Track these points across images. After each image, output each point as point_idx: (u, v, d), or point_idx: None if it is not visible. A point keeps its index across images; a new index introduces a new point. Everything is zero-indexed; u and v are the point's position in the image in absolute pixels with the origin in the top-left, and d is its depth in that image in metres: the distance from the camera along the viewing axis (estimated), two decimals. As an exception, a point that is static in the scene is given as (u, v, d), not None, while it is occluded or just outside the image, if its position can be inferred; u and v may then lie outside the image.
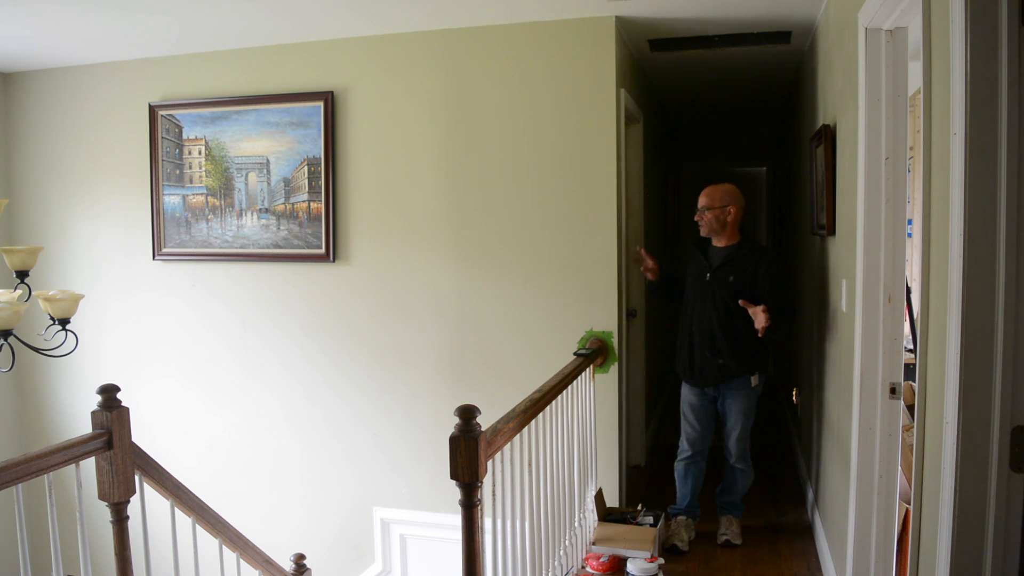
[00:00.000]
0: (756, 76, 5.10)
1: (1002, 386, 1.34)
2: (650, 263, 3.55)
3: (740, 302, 3.20)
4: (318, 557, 3.98)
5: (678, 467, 3.57)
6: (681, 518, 3.53)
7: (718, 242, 3.43)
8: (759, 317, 3.11)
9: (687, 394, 3.51)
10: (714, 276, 3.36)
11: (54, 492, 1.97)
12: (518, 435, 2.42)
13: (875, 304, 2.44)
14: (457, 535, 2.08)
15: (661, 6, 3.52)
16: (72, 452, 1.96)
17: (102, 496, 2.13)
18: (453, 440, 1.97)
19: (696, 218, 3.46)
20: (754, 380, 3.34)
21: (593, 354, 3.50)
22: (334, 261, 4.07)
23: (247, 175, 4.21)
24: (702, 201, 3.42)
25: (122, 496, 2.13)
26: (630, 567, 3.01)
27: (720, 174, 7.50)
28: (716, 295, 3.33)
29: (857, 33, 2.46)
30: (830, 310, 3.26)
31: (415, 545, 4.11)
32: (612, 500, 3.78)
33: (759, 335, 3.16)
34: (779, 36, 4.03)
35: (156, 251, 4.36)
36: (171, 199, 4.33)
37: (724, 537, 3.45)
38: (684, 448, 3.53)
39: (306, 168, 4.08)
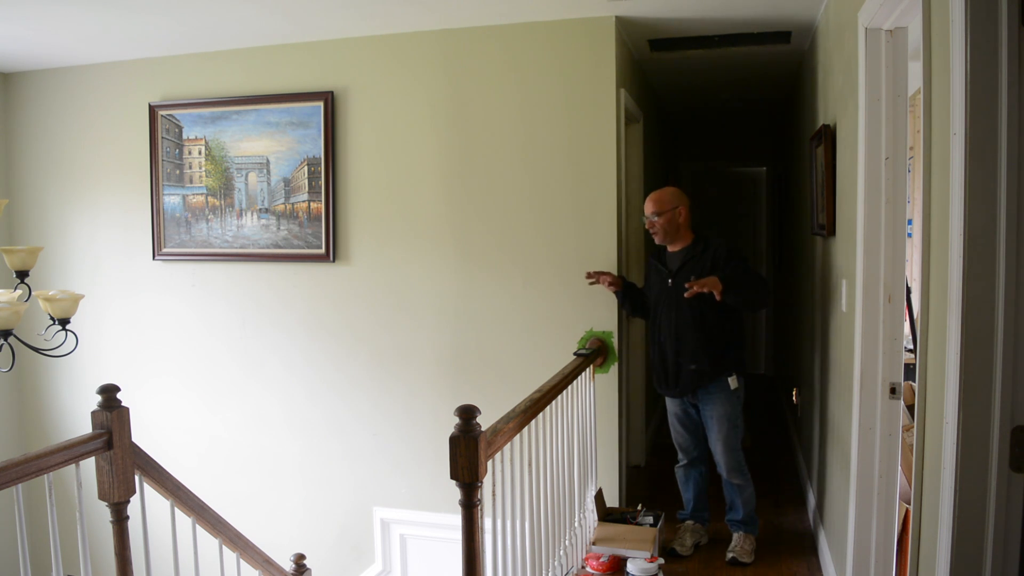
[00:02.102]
0: (756, 76, 5.10)
1: (1002, 386, 1.34)
2: (606, 278, 3.45)
3: (686, 285, 3.06)
4: (318, 557, 3.97)
5: (678, 473, 3.54)
6: (688, 523, 3.49)
7: (673, 247, 3.33)
8: (708, 284, 3.00)
9: (669, 405, 3.47)
10: (676, 280, 3.26)
11: (54, 492, 1.97)
12: (518, 435, 2.42)
13: (875, 304, 2.44)
14: (457, 535, 2.08)
15: (661, 6, 3.52)
16: (72, 452, 1.96)
17: (102, 496, 2.13)
18: (453, 440, 1.97)
19: (647, 227, 3.33)
20: (732, 382, 3.22)
21: (593, 354, 3.50)
22: (334, 261, 4.07)
23: (247, 175, 4.21)
24: (649, 208, 3.30)
25: (122, 496, 2.13)
26: (630, 567, 3.01)
27: (715, 175, 7.51)
28: (681, 299, 3.21)
29: (857, 33, 2.46)
30: (830, 310, 3.26)
31: (415, 545, 4.11)
32: (612, 500, 3.78)
33: (717, 299, 3.03)
34: (779, 36, 4.03)
35: (156, 251, 4.36)
36: (171, 199, 4.33)
37: (731, 555, 3.30)
38: (680, 455, 3.51)
39: (306, 168, 4.08)
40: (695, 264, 3.24)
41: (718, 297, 3.04)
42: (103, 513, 2.16)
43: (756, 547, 3.36)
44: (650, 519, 3.38)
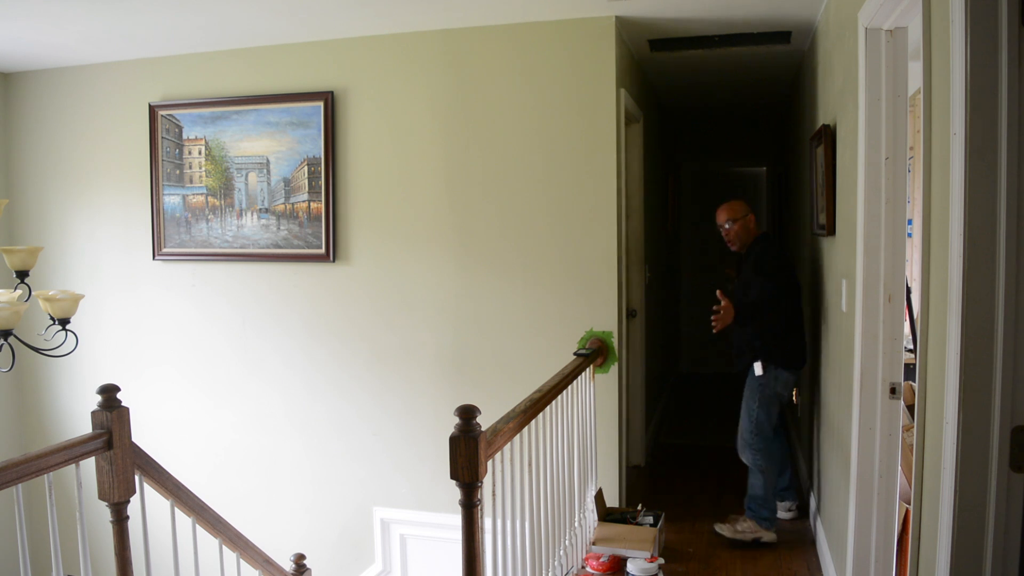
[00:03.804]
0: (756, 76, 5.10)
1: (1002, 386, 1.34)
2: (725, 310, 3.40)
3: (718, 292, 3.39)
4: (318, 557, 3.97)
5: None
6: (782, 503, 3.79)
7: (741, 249, 3.65)
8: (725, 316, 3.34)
9: None
10: (738, 280, 3.67)
11: (54, 492, 1.97)
12: (518, 435, 2.42)
13: (875, 304, 2.44)
14: (457, 535, 2.08)
15: (661, 6, 3.52)
16: (72, 452, 1.96)
17: (102, 496, 2.13)
18: (453, 440, 1.97)
19: (723, 235, 3.64)
20: (757, 368, 3.41)
21: (593, 354, 3.50)
22: (334, 261, 4.07)
23: (247, 175, 4.21)
24: (723, 217, 3.61)
25: (122, 496, 2.13)
26: (630, 567, 3.01)
27: (715, 175, 7.51)
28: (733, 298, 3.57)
29: (857, 33, 2.46)
30: (830, 310, 3.26)
31: (415, 545, 4.11)
32: (612, 500, 3.78)
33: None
34: (779, 36, 4.03)
35: (156, 251, 4.36)
36: (171, 199, 4.33)
37: (717, 525, 3.58)
38: None
39: (306, 168, 4.08)
40: (745, 263, 3.59)
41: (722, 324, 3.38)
42: (103, 513, 2.16)
43: (756, 536, 3.45)
44: (650, 519, 3.38)
